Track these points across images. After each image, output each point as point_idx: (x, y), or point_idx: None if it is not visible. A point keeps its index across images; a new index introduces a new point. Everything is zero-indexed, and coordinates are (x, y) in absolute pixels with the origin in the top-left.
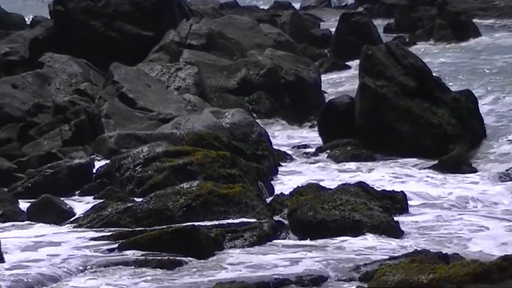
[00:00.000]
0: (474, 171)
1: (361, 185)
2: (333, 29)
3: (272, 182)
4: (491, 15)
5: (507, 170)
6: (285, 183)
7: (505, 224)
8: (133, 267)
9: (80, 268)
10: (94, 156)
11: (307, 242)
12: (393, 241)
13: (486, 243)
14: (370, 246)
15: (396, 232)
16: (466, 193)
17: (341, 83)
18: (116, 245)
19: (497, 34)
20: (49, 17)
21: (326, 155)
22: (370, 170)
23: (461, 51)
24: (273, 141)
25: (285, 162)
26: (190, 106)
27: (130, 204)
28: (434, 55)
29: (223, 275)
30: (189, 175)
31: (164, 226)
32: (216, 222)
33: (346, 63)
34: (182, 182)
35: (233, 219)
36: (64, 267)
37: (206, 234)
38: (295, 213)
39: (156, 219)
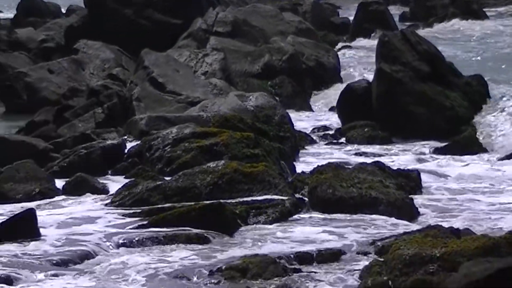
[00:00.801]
0: (485, 151)
1: (378, 164)
2: (351, 17)
3: (293, 162)
4: (501, 3)
5: None
6: (306, 163)
7: None
8: (163, 242)
9: (114, 244)
10: (126, 137)
11: (327, 217)
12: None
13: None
14: (386, 222)
15: (410, 209)
16: (478, 171)
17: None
18: (146, 221)
19: (506, 21)
20: (83, 6)
21: (344, 137)
22: (386, 151)
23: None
24: (295, 123)
25: (306, 143)
26: (216, 90)
27: (160, 182)
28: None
29: (247, 250)
30: (215, 155)
31: (192, 203)
32: (240, 199)
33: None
34: (209, 162)
35: (257, 196)
36: (98, 243)
37: (231, 210)
38: (315, 191)
39: (184, 196)
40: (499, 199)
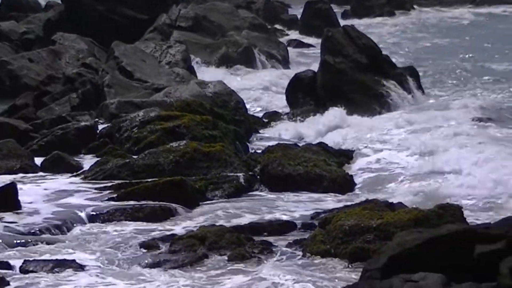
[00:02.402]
0: None
1: (321, 145)
2: (299, 15)
3: (247, 143)
4: (431, 3)
5: None
6: (258, 143)
7: None
8: (130, 214)
9: (86, 215)
10: (98, 119)
11: (276, 193)
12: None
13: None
14: (328, 197)
15: (350, 185)
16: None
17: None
18: (116, 195)
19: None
20: (60, 2)
21: (292, 120)
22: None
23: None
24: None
25: (259, 126)
26: (179, 78)
27: (128, 160)
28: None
29: (205, 221)
30: (178, 136)
31: (157, 179)
32: (200, 176)
33: (310, 42)
34: (172, 142)
35: (215, 173)
36: (72, 215)
37: (191, 185)
38: (266, 168)
39: (150, 172)
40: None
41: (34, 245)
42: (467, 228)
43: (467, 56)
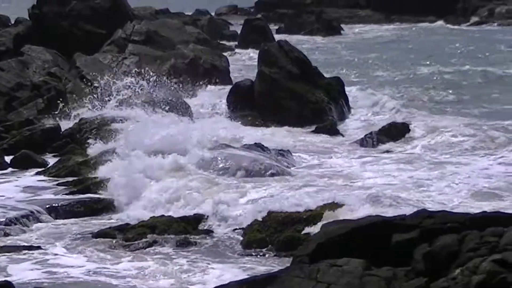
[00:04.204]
0: (341, 135)
1: (258, 145)
2: (239, 30)
3: None
4: (355, 21)
5: (366, 135)
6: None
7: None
8: (89, 206)
9: (50, 208)
10: (61, 121)
11: None
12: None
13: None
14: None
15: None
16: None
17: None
18: (76, 189)
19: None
20: (28, 18)
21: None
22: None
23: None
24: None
25: None
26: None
27: (87, 158)
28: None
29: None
30: None
31: None
32: None
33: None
34: None
35: None
36: (37, 207)
37: None
38: None
39: None
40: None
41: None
42: (385, 219)
43: (387, 66)
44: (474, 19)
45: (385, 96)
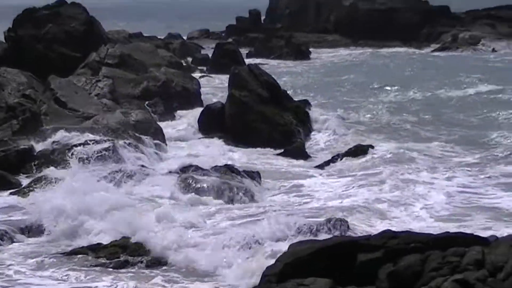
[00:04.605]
0: (309, 157)
1: (228, 166)
2: (210, 54)
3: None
4: (323, 45)
5: (333, 157)
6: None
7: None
8: None
9: (23, 227)
10: (36, 142)
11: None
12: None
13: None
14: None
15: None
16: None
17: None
18: None
19: (325, 58)
20: (4, 41)
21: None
22: (236, 155)
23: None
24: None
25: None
26: (106, 108)
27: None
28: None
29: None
30: (105, 158)
31: None
32: None
33: (219, 78)
34: (99, 164)
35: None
36: (11, 226)
37: None
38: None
39: None
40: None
41: None
42: (351, 239)
43: (353, 89)
44: (438, 45)
45: (350, 117)
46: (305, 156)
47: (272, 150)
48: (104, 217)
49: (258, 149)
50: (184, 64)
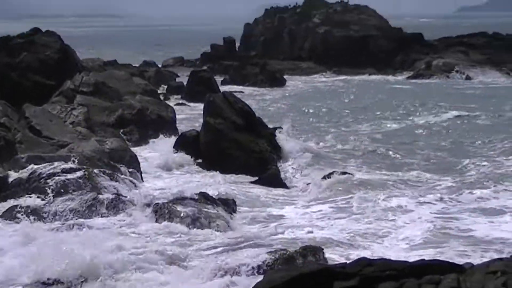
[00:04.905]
0: (285, 186)
1: (203, 194)
2: (185, 81)
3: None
4: (297, 72)
5: (308, 183)
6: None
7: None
8: None
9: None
10: (11, 171)
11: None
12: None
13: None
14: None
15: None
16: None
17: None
18: None
19: (299, 85)
20: None
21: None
22: (212, 181)
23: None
24: (142, 161)
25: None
26: (81, 136)
27: (38, 206)
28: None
29: None
30: (80, 186)
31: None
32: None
33: (194, 105)
34: (75, 192)
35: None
36: None
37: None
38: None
39: (54, 218)
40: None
41: None
42: (327, 267)
43: (325, 116)
44: (412, 72)
45: (325, 144)
46: (280, 183)
47: (247, 177)
48: None
49: (233, 176)
50: (159, 92)
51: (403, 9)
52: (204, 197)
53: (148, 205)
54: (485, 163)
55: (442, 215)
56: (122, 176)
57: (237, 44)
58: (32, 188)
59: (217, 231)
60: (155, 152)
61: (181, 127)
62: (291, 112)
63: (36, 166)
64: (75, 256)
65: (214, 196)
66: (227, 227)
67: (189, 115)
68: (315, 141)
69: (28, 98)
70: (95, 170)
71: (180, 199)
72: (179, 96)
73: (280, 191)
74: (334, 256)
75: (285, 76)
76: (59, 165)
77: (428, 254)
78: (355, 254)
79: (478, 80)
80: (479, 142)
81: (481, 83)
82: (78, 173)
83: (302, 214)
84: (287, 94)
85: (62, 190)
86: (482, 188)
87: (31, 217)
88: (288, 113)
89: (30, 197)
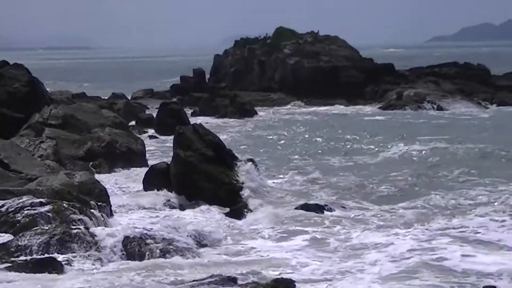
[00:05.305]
0: (255, 217)
1: (174, 227)
2: (155, 113)
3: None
4: (268, 104)
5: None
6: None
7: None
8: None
9: None
10: None
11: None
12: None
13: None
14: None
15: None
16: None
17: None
18: None
19: (270, 116)
20: None
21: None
22: (182, 214)
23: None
24: (112, 191)
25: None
26: (50, 169)
27: (5, 242)
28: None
29: None
30: (49, 220)
31: (28, 257)
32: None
33: (164, 138)
34: (44, 225)
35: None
36: None
37: (60, 263)
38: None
39: (23, 252)
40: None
41: None
42: None
43: (296, 148)
44: (383, 103)
45: (296, 177)
46: (250, 215)
47: (218, 209)
48: None
49: (204, 208)
50: (128, 124)
51: (375, 39)
52: (175, 230)
53: (118, 239)
54: (455, 193)
55: (417, 247)
56: (92, 210)
57: (207, 76)
58: (1, 223)
59: (187, 264)
60: (125, 184)
61: (151, 160)
62: (262, 144)
63: (4, 201)
64: None
65: (184, 229)
66: (197, 260)
67: (159, 148)
68: (287, 172)
69: None
70: (64, 204)
71: (150, 233)
72: (149, 129)
73: (251, 223)
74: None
75: (255, 108)
76: (27, 199)
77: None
78: None
79: (450, 111)
80: (449, 172)
81: (453, 114)
82: (47, 207)
83: (273, 247)
84: (257, 126)
85: (31, 225)
86: (454, 218)
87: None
88: (259, 144)
89: None
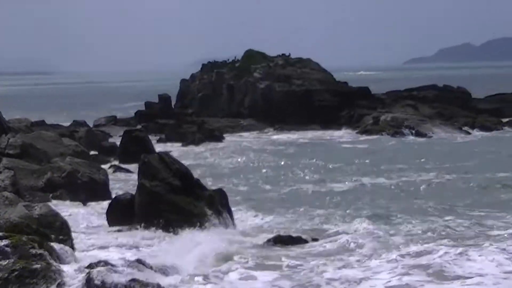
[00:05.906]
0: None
1: (139, 261)
2: (118, 141)
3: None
4: (238, 130)
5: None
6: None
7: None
8: None
9: None
10: None
11: None
12: None
13: None
14: None
15: None
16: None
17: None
18: None
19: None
20: None
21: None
22: (148, 247)
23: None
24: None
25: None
26: (8, 201)
27: None
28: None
29: None
30: (7, 255)
31: None
32: None
33: (128, 167)
34: (2, 261)
35: None
36: None
37: None
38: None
39: None
40: None
41: None
42: None
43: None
44: (358, 128)
45: (267, 206)
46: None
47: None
48: None
49: (170, 241)
50: (90, 153)
51: (350, 62)
52: (141, 263)
53: (81, 274)
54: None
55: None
56: (52, 243)
57: (173, 101)
58: None
59: None
60: (87, 216)
61: (115, 190)
62: (231, 172)
63: None
64: None
65: (150, 263)
66: None
67: (123, 177)
68: (258, 202)
69: None
70: (23, 238)
71: (115, 268)
72: (112, 158)
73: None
74: None
75: (224, 135)
76: None
77: None
78: None
79: (428, 137)
80: (428, 200)
81: (432, 140)
82: (5, 241)
83: (246, 281)
84: (226, 154)
85: None
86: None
87: None
88: (228, 173)
89: None
